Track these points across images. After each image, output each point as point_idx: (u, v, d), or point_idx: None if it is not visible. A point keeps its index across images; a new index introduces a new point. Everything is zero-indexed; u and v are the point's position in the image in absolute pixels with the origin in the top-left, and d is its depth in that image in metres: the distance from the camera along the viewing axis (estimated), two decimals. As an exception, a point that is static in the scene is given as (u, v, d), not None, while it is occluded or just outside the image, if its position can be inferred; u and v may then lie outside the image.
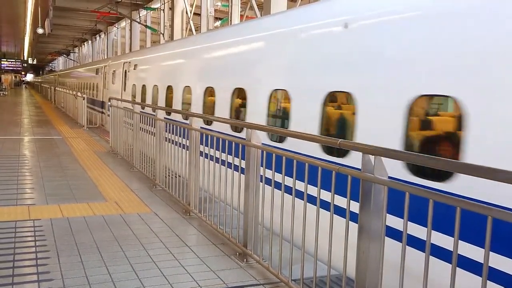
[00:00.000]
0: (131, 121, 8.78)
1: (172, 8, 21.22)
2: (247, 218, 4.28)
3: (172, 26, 21.07)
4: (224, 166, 4.79)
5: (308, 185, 3.44)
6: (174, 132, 6.46)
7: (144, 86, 11.86)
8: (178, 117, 8.37)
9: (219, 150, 4.90)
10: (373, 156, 2.76)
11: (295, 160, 3.59)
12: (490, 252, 2.07)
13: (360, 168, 2.84)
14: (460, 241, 2.28)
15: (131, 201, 6.36)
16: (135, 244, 4.64)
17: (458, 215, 2.21)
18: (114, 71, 16.32)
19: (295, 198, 3.65)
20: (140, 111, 8.47)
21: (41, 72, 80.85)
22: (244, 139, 4.31)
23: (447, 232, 3.27)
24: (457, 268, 2.26)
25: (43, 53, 65.17)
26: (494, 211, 2.03)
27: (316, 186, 3.30)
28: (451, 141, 3.57)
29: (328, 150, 4.68)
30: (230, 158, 4.65)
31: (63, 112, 22.36)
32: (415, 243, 3.38)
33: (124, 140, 9.48)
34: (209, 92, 7.77)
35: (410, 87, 3.80)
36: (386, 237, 2.75)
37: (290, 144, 5.01)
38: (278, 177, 3.85)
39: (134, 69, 13.42)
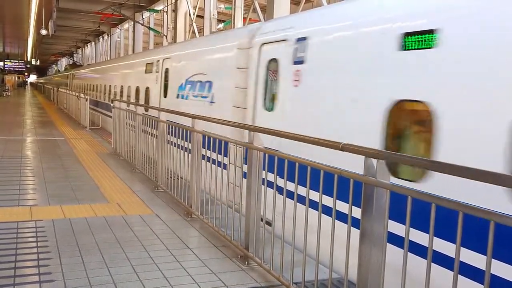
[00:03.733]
0: (133, 123, 8.80)
1: (175, 10, 21.25)
2: (249, 221, 4.28)
3: (175, 28, 21.10)
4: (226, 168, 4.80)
5: (310, 189, 3.43)
6: (176, 134, 6.46)
7: None
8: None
9: (221, 154, 4.90)
10: (376, 160, 2.76)
11: (297, 163, 3.59)
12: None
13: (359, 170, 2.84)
14: (463, 248, 2.28)
15: (133, 202, 6.36)
16: (137, 246, 4.65)
17: (461, 220, 2.21)
18: None
19: (297, 201, 3.65)
20: (143, 113, 8.48)
21: (58, 66, 75.78)
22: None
23: (448, 238, 3.26)
24: (459, 275, 2.26)
25: (46, 54, 65.29)
26: (495, 216, 2.03)
27: (318, 190, 3.29)
28: None
29: None
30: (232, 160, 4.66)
31: (65, 113, 22.39)
32: (417, 248, 3.37)
33: (126, 141, 9.50)
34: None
35: None
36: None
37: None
38: (280, 181, 3.85)
39: None
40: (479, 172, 2.15)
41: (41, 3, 28.50)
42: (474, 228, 2.55)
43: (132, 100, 13.52)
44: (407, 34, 3.93)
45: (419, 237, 3.30)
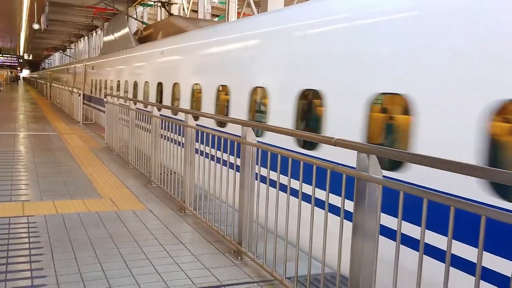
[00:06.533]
0: (126, 118, 8.76)
1: (169, 4, 21.15)
2: (242, 216, 4.28)
3: (169, 22, 20.99)
4: (219, 163, 4.79)
5: (303, 183, 3.43)
6: (168, 128, 6.45)
7: None
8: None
9: (214, 148, 4.89)
10: (368, 154, 2.76)
11: (290, 158, 3.59)
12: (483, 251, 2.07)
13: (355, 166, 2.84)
14: (454, 241, 2.29)
15: (126, 198, 6.34)
16: (130, 241, 4.63)
17: (452, 214, 2.21)
18: None
19: (290, 196, 3.65)
20: (136, 108, 8.45)
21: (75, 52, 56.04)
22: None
23: (441, 231, 3.27)
24: (451, 267, 2.27)
25: (39, 49, 64.88)
26: (487, 211, 2.03)
27: (311, 184, 3.29)
28: None
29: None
30: (225, 156, 4.65)
31: (58, 108, 22.29)
32: (409, 241, 3.39)
33: (119, 136, 9.46)
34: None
35: None
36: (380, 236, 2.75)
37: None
38: (273, 175, 3.85)
39: None
40: (469, 166, 2.16)
41: (33, -3, 28.28)
42: (468, 221, 2.56)
43: None
44: None
45: (414, 232, 3.31)
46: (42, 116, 18.27)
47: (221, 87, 7.35)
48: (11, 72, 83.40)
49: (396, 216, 2.56)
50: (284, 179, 3.70)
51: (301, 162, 3.43)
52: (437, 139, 3.57)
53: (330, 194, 3.16)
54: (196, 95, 8.40)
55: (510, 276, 2.79)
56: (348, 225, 2.93)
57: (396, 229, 2.58)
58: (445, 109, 3.55)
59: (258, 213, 4.17)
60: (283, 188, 3.75)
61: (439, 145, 3.51)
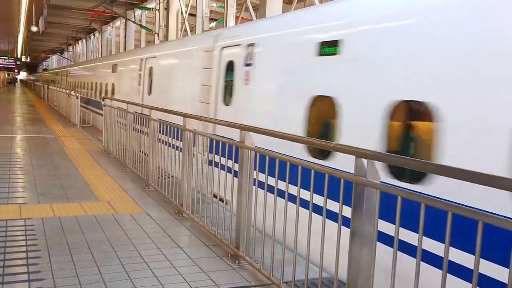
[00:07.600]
0: (124, 121, 8.75)
1: (167, 8, 21.19)
2: (240, 220, 4.28)
3: (167, 26, 21.03)
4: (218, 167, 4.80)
5: (301, 188, 3.44)
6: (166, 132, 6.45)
7: None
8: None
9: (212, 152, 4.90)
10: (366, 159, 2.78)
11: (288, 163, 3.60)
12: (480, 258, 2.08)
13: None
14: (452, 248, 2.30)
15: (123, 201, 6.34)
16: (127, 244, 4.63)
17: (450, 220, 2.23)
18: None
19: (288, 200, 3.66)
20: (134, 111, 8.44)
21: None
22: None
23: (439, 238, 3.28)
24: (448, 274, 2.28)
25: (37, 51, 64.82)
26: (484, 216, 2.05)
27: (309, 189, 3.30)
28: None
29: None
30: (223, 160, 4.65)
31: (56, 111, 22.25)
32: (407, 248, 3.40)
33: (117, 139, 9.45)
34: None
35: None
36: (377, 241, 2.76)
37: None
38: (271, 180, 3.86)
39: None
40: (471, 173, 2.17)
41: (31, 0, 28.30)
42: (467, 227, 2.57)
43: None
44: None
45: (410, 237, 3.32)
46: (39, 119, 18.24)
47: None
48: (8, 74, 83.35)
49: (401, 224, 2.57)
50: (282, 184, 3.70)
51: (299, 166, 3.44)
52: None
53: (328, 199, 3.17)
54: None
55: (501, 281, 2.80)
56: (346, 230, 2.94)
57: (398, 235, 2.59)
58: None
59: (256, 217, 4.17)
60: (281, 193, 3.75)
61: None
